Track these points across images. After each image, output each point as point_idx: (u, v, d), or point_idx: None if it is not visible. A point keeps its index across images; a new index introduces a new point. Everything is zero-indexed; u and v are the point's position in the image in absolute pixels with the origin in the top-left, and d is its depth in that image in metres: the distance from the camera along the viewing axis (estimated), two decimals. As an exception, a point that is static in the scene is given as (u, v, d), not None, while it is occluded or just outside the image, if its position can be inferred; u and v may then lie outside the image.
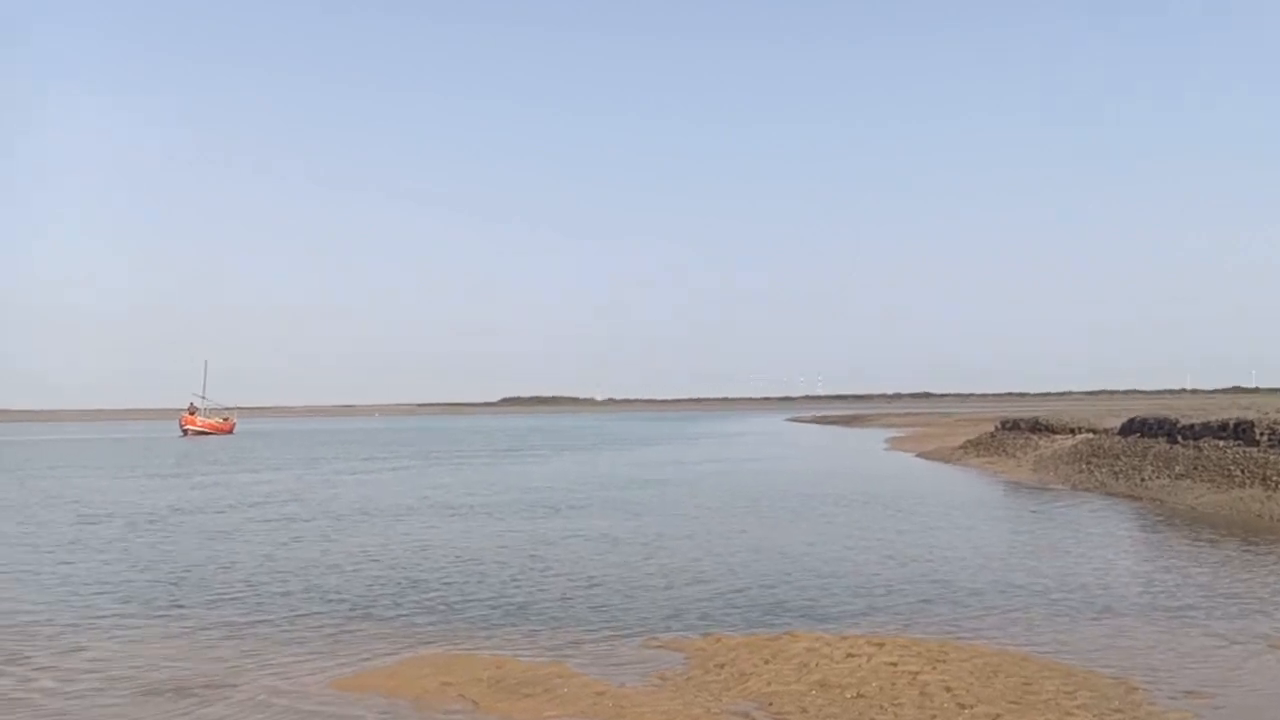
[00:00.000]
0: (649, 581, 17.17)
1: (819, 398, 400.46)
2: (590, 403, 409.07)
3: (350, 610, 15.09)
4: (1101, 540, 20.92)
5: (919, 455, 52.01)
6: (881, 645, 12.16)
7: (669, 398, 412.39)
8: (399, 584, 17.16)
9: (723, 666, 11.52)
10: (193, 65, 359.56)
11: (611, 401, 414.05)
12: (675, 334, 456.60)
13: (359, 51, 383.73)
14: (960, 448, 49.21)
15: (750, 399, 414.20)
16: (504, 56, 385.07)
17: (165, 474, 46.68)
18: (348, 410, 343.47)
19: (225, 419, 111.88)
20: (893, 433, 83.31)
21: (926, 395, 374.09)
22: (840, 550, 20.17)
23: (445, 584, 17.09)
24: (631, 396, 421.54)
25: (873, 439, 74.77)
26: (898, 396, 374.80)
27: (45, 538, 23.91)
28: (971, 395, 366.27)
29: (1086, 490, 30.80)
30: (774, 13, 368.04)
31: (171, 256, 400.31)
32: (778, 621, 13.89)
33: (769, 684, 10.80)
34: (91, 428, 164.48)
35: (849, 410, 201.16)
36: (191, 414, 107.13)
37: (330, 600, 15.87)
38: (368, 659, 12.28)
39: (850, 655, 11.75)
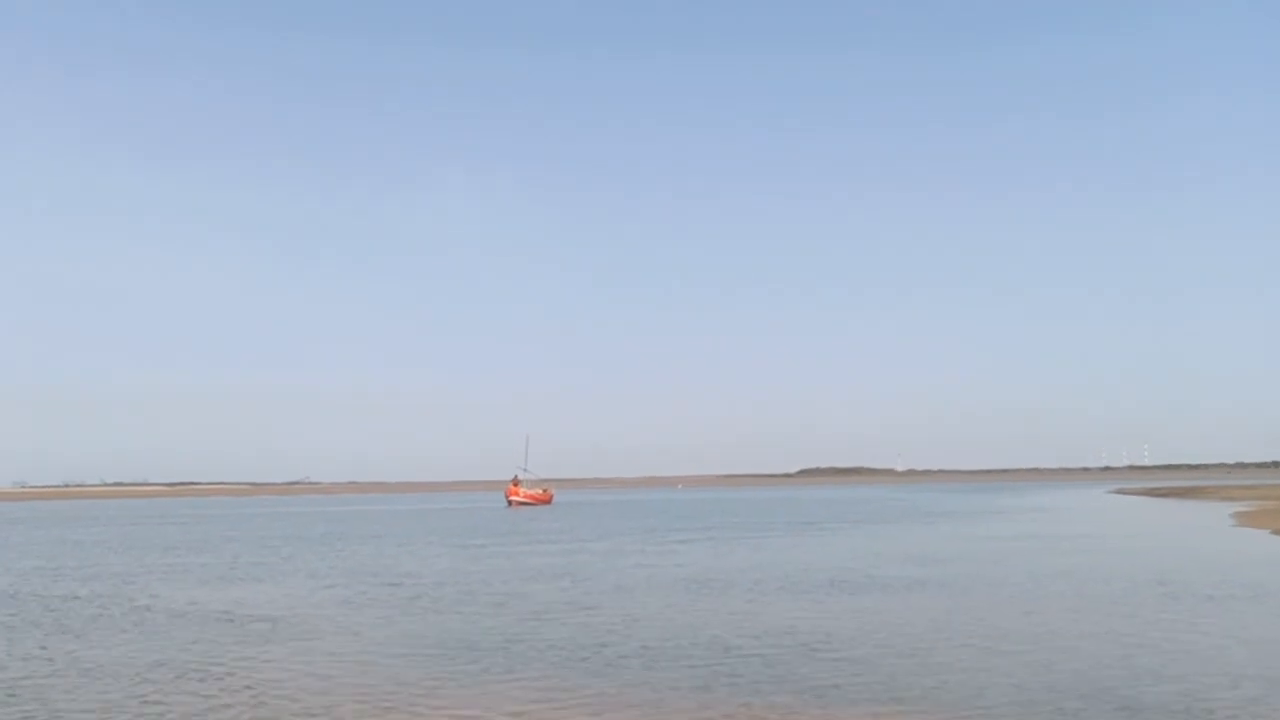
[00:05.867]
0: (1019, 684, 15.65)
1: (1144, 468, 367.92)
2: (890, 473, 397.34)
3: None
4: None
5: (1275, 532, 45.99)
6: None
7: (973, 468, 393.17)
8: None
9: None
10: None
11: (912, 472, 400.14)
12: (980, 400, 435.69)
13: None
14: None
15: (1066, 469, 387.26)
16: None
17: (476, 545, 49.41)
18: (655, 481, 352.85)
19: (544, 490, 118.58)
20: (1238, 506, 74.61)
21: (1276, 465, 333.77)
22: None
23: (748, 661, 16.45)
24: (933, 467, 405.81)
25: (1215, 514, 67.01)
26: (1240, 466, 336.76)
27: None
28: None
29: None
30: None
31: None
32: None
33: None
34: (448, 497, 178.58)
35: (1181, 482, 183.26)
36: (516, 485, 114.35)
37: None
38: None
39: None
